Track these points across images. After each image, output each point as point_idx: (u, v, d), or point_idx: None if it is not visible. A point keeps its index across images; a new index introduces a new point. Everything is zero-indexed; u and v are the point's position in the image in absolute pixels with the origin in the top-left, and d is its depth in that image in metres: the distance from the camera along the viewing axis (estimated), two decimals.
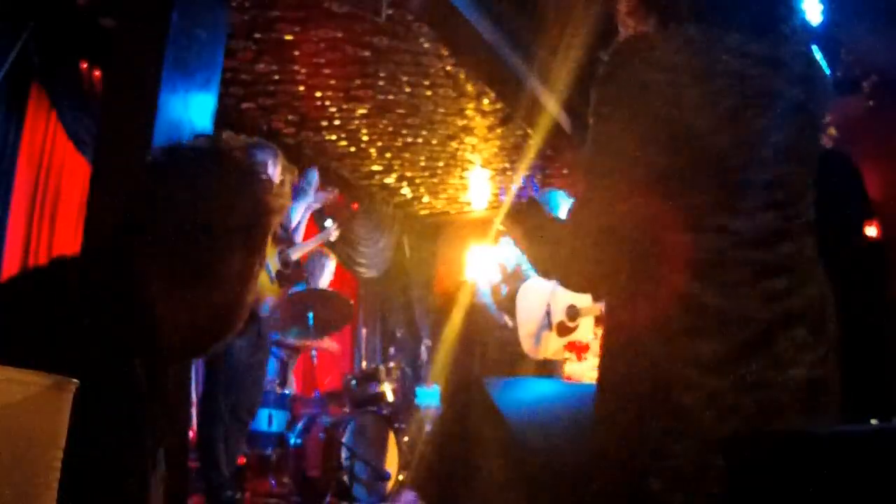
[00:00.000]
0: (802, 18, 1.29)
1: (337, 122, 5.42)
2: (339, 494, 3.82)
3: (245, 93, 4.86)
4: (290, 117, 5.30)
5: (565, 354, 3.85)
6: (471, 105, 5.16)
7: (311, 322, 4.07)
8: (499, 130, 5.58)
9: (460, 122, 5.45)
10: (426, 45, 4.35)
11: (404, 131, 5.61)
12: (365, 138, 5.72)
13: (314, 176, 3.98)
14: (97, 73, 4.17)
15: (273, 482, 4.09)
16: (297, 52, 4.39)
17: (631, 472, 1.09)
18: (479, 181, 6.66)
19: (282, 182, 1.22)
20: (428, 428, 4.76)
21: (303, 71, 4.62)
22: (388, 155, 6.07)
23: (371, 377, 4.57)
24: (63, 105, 4.05)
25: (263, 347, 3.59)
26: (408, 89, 4.91)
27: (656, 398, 1.07)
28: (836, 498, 0.91)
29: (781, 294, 1.09)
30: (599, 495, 1.12)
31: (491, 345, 3.99)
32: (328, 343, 4.93)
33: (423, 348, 6.27)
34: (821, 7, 2.93)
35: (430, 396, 5.17)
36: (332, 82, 4.78)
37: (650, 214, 1.12)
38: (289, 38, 4.23)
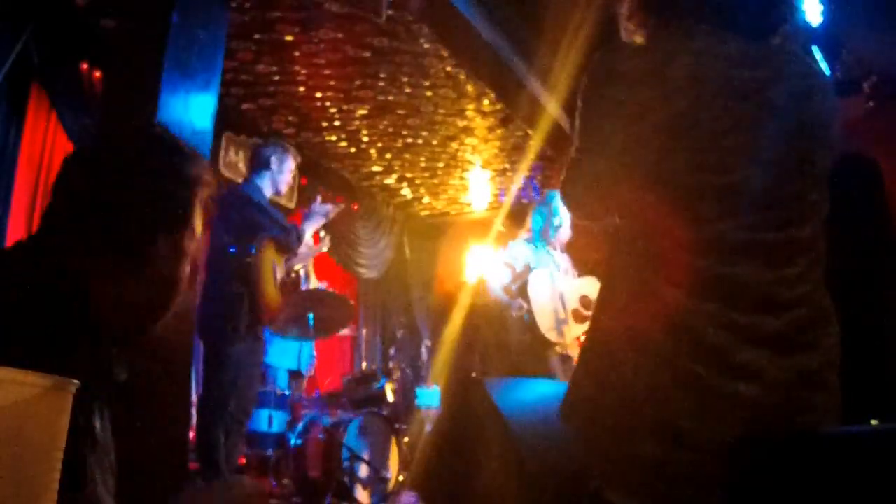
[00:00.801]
0: (803, 19, 1.29)
1: (337, 123, 5.42)
2: (339, 495, 3.82)
3: (245, 93, 4.87)
4: (290, 118, 5.31)
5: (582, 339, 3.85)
6: (471, 106, 5.16)
7: (311, 322, 4.07)
8: (499, 131, 5.58)
9: (460, 123, 5.45)
10: (426, 46, 4.36)
11: (404, 132, 5.61)
12: (365, 139, 5.72)
13: (327, 209, 4.02)
14: (97, 73, 4.17)
15: (273, 482, 4.09)
16: (297, 53, 4.39)
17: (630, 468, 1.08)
18: (479, 182, 6.67)
19: (198, 157, 1.21)
20: (428, 428, 4.76)
21: (303, 72, 4.62)
22: (388, 156, 6.07)
23: (371, 377, 4.57)
24: (63, 105, 4.05)
25: (261, 350, 3.71)
26: (408, 90, 4.92)
27: (653, 390, 1.07)
28: (837, 498, 0.91)
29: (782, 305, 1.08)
30: (599, 495, 1.11)
31: (512, 341, 3.98)
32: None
33: (423, 349, 6.26)
34: (821, 7, 2.93)
35: (430, 397, 5.17)
36: (333, 83, 4.78)
37: (646, 216, 1.12)
38: (289, 38, 4.23)
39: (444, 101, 5.08)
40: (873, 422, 1.37)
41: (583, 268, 4.01)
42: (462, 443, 1.52)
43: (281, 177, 3.73)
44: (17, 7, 3.59)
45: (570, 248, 4.05)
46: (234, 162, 5.21)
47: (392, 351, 6.30)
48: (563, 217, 3.90)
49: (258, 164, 3.71)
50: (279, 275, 3.65)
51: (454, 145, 5.88)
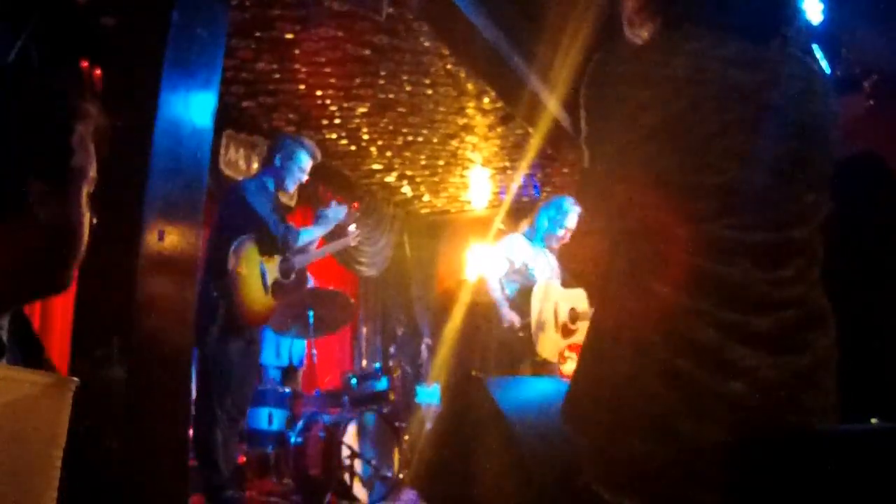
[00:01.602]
0: (804, 19, 1.30)
1: (337, 121, 5.42)
2: (339, 493, 3.82)
3: (245, 91, 4.86)
4: (290, 116, 5.30)
5: (566, 354, 3.85)
6: (471, 104, 5.16)
7: (311, 321, 4.07)
8: (499, 129, 5.58)
9: (461, 121, 5.45)
10: (426, 44, 4.35)
11: (405, 130, 5.61)
12: (365, 137, 5.72)
13: (342, 213, 3.90)
14: (97, 71, 4.17)
15: (273, 481, 4.09)
16: (297, 51, 4.39)
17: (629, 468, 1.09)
18: (479, 180, 6.67)
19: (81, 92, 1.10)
20: (428, 426, 4.77)
21: (303, 69, 4.62)
22: (388, 154, 6.07)
23: (371, 376, 4.58)
24: None
25: (255, 351, 3.69)
26: (408, 88, 4.91)
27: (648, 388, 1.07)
28: (837, 497, 0.91)
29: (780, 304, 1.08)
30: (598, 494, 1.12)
31: (492, 343, 3.99)
32: None
33: (423, 347, 6.27)
34: (821, 5, 2.93)
35: (430, 395, 5.18)
36: (333, 81, 4.78)
37: (646, 215, 1.12)
38: (289, 36, 4.23)
39: (444, 99, 5.08)
40: (873, 421, 1.37)
41: (577, 278, 4.00)
42: (462, 441, 1.52)
43: (286, 172, 3.62)
44: (17, 7, 3.59)
45: (564, 256, 4.04)
46: (235, 160, 5.20)
47: (392, 349, 6.31)
48: (570, 224, 3.86)
49: (265, 158, 3.67)
50: (270, 277, 3.55)
51: (454, 143, 5.87)
